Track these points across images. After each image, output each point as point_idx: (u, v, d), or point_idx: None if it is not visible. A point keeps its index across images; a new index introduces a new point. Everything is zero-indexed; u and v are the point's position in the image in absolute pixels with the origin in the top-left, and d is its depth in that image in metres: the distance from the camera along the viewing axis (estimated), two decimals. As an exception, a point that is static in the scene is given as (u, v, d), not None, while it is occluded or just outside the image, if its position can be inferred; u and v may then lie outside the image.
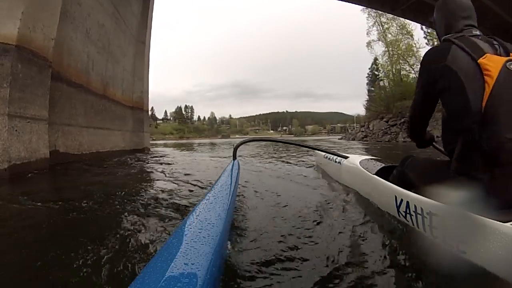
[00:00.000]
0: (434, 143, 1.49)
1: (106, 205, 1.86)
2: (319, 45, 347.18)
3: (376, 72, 28.65)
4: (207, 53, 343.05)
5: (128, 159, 5.73)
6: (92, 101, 6.36)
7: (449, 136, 1.11)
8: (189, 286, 0.44)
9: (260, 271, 0.94)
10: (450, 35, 1.13)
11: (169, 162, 5.12)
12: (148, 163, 5.27)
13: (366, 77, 30.94)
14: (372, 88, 29.01)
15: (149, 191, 2.40)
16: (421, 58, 1.17)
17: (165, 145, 16.11)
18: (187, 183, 2.67)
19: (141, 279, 0.46)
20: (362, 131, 20.79)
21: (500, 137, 0.91)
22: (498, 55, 0.99)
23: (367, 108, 25.67)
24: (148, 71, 9.86)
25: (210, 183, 2.47)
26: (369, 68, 30.45)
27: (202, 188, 2.41)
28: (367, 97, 28.53)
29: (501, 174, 0.93)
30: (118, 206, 1.83)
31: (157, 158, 5.79)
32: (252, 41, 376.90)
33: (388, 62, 25.59)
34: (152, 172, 4.06)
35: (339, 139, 26.30)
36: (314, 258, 1.05)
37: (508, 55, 0.99)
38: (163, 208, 1.73)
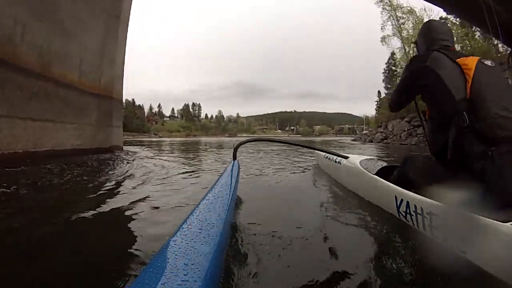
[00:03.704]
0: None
1: None
2: (326, 45, 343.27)
3: (394, 68, 26.41)
4: (213, 52, 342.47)
5: (61, 166, 3.85)
6: (21, 82, 4.58)
7: (437, 133, 1.19)
8: (189, 286, 0.44)
9: (260, 271, 0.93)
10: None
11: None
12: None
13: (382, 73, 28.65)
14: (389, 86, 26.82)
15: None
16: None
17: (170, 145, 13.70)
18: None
19: (141, 279, 0.45)
20: (381, 132, 17.96)
21: (490, 114, 0.99)
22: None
23: (387, 106, 23.38)
24: (124, 53, 8.07)
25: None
26: (386, 63, 28.16)
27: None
28: (384, 94, 26.44)
29: (498, 154, 0.94)
30: None
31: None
32: (258, 40, 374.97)
33: (405, 58, 23.71)
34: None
35: (352, 140, 23.98)
36: (313, 258, 1.05)
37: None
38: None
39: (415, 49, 1.53)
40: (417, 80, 1.21)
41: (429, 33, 1.34)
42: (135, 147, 10.30)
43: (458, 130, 1.03)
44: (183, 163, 4.53)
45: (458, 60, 1.11)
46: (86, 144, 6.27)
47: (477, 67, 1.07)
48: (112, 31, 7.35)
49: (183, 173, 3.26)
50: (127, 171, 3.40)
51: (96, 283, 0.86)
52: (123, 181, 2.67)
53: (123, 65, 7.97)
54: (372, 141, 17.39)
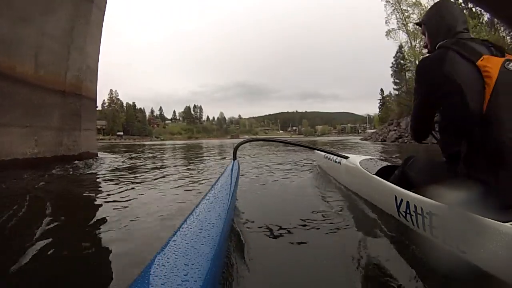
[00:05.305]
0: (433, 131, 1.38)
1: None
2: (327, 45, 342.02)
3: (402, 61, 25.27)
4: (215, 52, 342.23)
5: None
6: None
7: (449, 140, 1.12)
8: (189, 286, 0.43)
9: (260, 271, 0.91)
10: (444, 41, 1.12)
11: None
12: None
13: (391, 67, 27.37)
14: (397, 80, 25.58)
15: None
16: (416, 67, 1.16)
17: (167, 150, 12.79)
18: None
19: (141, 279, 0.44)
20: (394, 130, 16.51)
21: (503, 137, 0.91)
22: (494, 56, 0.98)
23: (399, 103, 22.11)
24: (99, 43, 6.88)
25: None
26: (394, 57, 26.91)
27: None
28: (393, 89, 25.31)
29: (505, 175, 0.91)
30: None
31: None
32: (259, 41, 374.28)
33: (412, 52, 22.77)
34: None
35: (361, 139, 22.69)
36: (313, 258, 1.04)
37: (504, 56, 0.99)
38: None
39: (422, 36, 1.25)
40: (436, 91, 1.05)
41: (442, 18, 1.15)
42: (123, 154, 9.13)
43: (470, 146, 0.97)
44: (163, 188, 3.33)
45: (478, 62, 0.95)
46: (45, 151, 5.08)
47: (499, 75, 0.92)
48: (82, 16, 6.15)
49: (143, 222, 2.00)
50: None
51: (96, 282, 0.85)
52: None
53: (98, 58, 6.78)
54: (385, 140, 15.96)
